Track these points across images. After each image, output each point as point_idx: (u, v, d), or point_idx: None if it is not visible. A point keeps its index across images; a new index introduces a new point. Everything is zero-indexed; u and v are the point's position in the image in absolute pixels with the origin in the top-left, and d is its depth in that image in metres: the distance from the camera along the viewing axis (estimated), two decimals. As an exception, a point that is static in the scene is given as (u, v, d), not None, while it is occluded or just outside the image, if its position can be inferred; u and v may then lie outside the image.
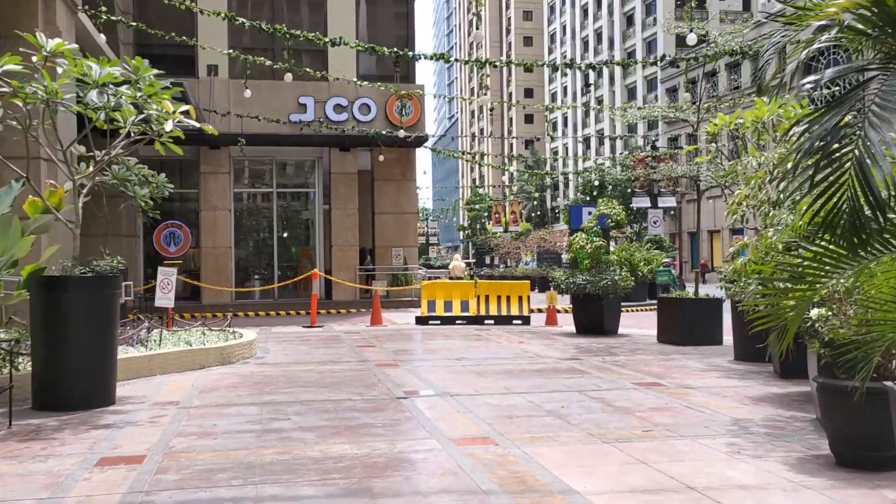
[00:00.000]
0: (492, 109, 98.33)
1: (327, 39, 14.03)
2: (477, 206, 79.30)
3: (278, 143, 22.38)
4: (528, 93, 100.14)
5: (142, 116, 8.05)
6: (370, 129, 21.88)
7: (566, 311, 20.17)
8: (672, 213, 47.51)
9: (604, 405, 7.24)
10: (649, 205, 30.60)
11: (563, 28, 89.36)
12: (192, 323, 12.77)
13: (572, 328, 15.14)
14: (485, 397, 7.72)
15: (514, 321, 16.39)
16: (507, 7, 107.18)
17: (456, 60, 15.49)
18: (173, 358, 9.71)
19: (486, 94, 16.65)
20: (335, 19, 23.07)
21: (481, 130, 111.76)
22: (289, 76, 15.92)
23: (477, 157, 64.10)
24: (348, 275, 23.11)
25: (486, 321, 16.38)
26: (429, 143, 28.21)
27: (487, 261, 66.74)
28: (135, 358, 9.20)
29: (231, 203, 22.70)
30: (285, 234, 24.35)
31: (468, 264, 39.44)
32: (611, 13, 76.78)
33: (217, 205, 22.29)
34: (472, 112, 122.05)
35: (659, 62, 14.34)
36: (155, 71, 7.87)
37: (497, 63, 14.82)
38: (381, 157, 21.82)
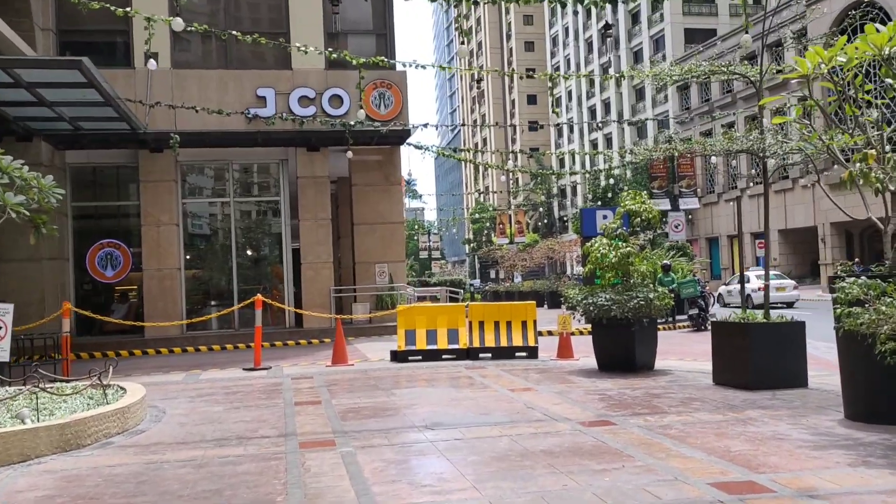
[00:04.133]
0: (494, 128, 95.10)
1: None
2: (481, 217, 75.67)
3: (234, 143, 18.83)
4: (532, 99, 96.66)
5: None
6: (343, 123, 18.30)
7: (582, 334, 16.52)
8: (690, 216, 43.86)
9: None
10: (669, 207, 26.97)
11: (566, 30, 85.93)
12: (96, 368, 9.05)
13: (591, 359, 11.50)
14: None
15: (517, 354, 12.74)
16: (508, 12, 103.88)
17: (442, 68, 12.31)
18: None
19: (464, 45, 13.23)
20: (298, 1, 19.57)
21: (484, 140, 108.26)
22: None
23: (475, 157, 60.28)
24: (321, 298, 19.50)
25: (480, 355, 12.74)
26: (431, 147, 24.67)
27: (492, 275, 63.09)
28: None
29: (179, 216, 19.13)
30: (248, 252, 20.76)
31: (452, 282, 34.33)
32: (615, 11, 73.29)
33: (162, 219, 18.73)
34: (475, 121, 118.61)
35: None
36: None
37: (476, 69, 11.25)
38: (350, 155, 18.15)
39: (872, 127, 6.74)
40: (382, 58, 13.96)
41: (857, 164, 5.90)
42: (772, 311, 9.52)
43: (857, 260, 41.55)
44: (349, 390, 9.95)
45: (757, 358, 8.76)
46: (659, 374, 10.48)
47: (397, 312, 13.21)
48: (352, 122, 17.64)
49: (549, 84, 14.63)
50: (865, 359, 6.27)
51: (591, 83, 78.48)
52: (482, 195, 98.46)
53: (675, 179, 30.15)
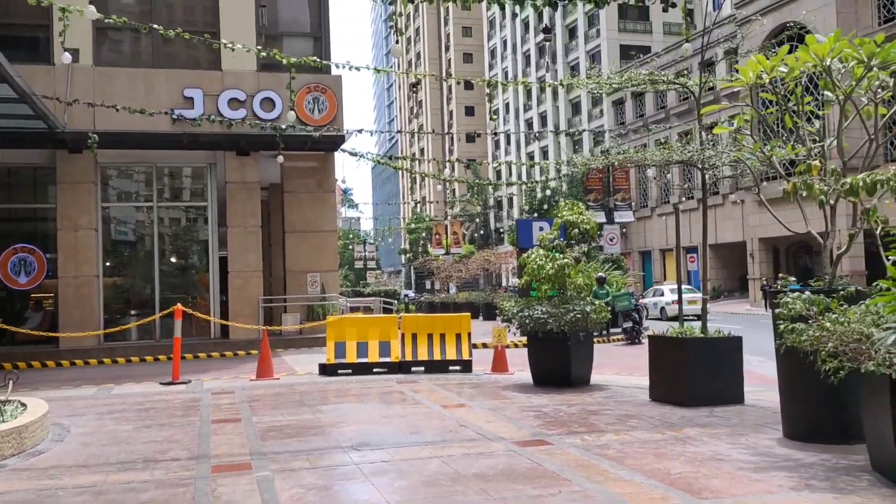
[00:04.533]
0: (432, 139, 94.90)
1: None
2: (417, 227, 75.27)
3: (158, 145, 18.01)
4: (469, 111, 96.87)
5: None
6: (274, 127, 17.66)
7: (518, 346, 16.24)
8: (624, 230, 44.28)
9: None
10: (604, 220, 26.99)
11: (504, 43, 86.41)
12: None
13: (527, 373, 11.20)
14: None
15: (451, 367, 12.36)
16: (447, 24, 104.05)
17: (385, 71, 11.87)
18: None
19: (398, 45, 12.87)
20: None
21: (421, 150, 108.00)
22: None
23: (412, 166, 60.01)
24: (250, 308, 18.81)
25: (413, 369, 12.31)
26: (366, 154, 24.14)
27: (428, 286, 62.62)
28: None
29: (98, 221, 18.20)
30: (173, 259, 19.93)
31: (387, 292, 33.43)
32: (553, 26, 74.03)
33: (80, 223, 17.79)
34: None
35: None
36: None
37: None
38: (281, 159, 17.52)
39: (813, 140, 6.59)
40: (315, 58, 13.45)
41: (801, 176, 5.72)
42: (681, 321, 9.33)
43: (781, 274, 42.58)
44: (272, 407, 9.41)
45: (694, 374, 8.57)
46: (595, 389, 10.23)
47: (327, 324, 12.69)
48: (283, 126, 17.04)
49: (487, 90, 14.34)
50: (806, 376, 6.07)
51: (529, 95, 79.06)
52: (419, 205, 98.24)
53: (611, 193, 30.31)
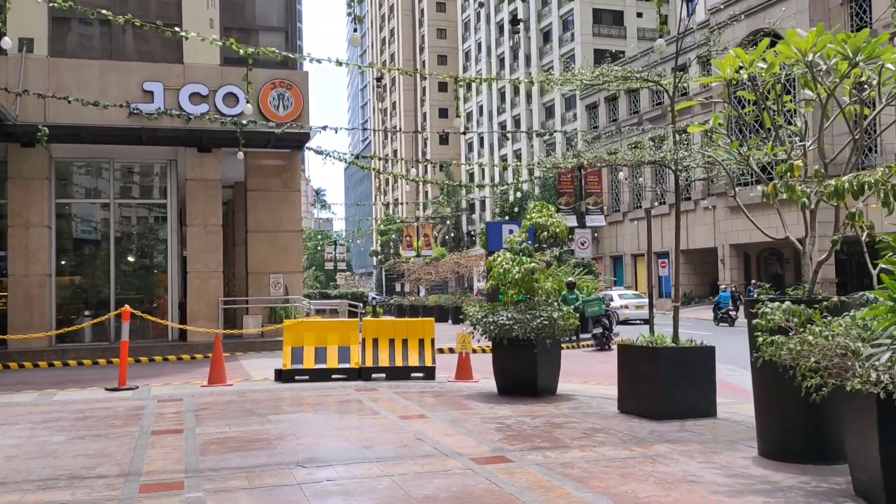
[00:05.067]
0: (405, 141, 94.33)
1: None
2: (388, 228, 74.62)
3: (115, 140, 17.33)
4: (443, 113, 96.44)
5: None
6: (235, 122, 17.04)
7: (485, 352, 15.78)
8: (595, 234, 44.03)
9: None
10: (575, 224, 26.62)
11: (479, 46, 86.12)
12: None
13: (492, 381, 10.73)
14: None
15: (413, 374, 11.87)
16: (421, 25, 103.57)
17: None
18: None
19: (356, 33, 12.14)
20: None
21: (395, 152, 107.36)
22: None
23: (383, 166, 59.47)
24: (210, 309, 18.17)
25: (374, 375, 11.80)
26: (333, 153, 23.54)
27: (398, 288, 61.95)
28: None
29: (51, 218, 17.48)
30: (131, 259, 19.23)
31: (354, 295, 32.19)
32: (527, 29, 73.88)
33: (31, 220, 17.06)
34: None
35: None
36: None
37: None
38: (241, 155, 16.89)
39: (794, 138, 6.19)
40: (273, 49, 12.90)
41: (782, 177, 5.31)
42: (630, 327, 8.94)
43: (754, 281, 42.57)
44: (220, 416, 8.86)
45: (665, 385, 8.16)
46: (562, 399, 9.79)
47: (284, 327, 12.13)
48: (244, 122, 16.45)
49: (454, 85, 13.91)
50: (784, 392, 5.67)
51: (503, 98, 78.84)
52: (391, 206, 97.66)
53: (583, 196, 30.00)
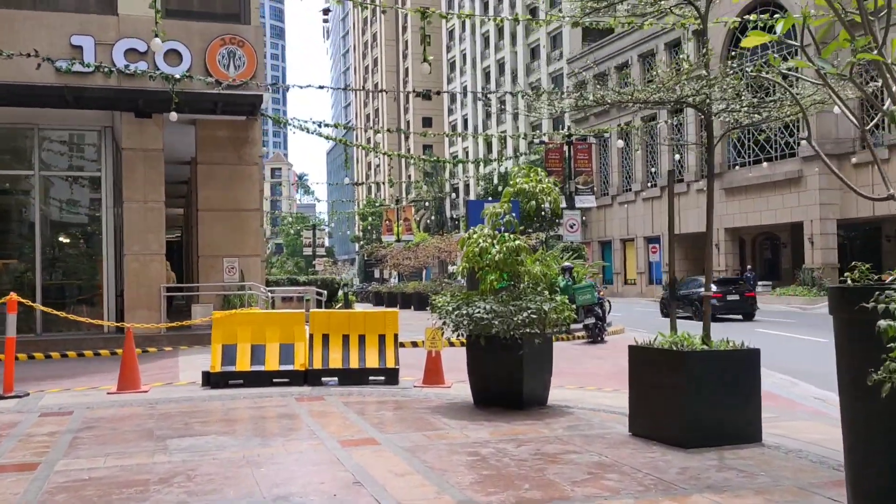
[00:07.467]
0: (388, 125, 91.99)
1: None
2: (368, 213, 72.26)
3: (35, 102, 15.00)
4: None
5: None
6: (168, 77, 14.67)
7: (463, 345, 13.63)
8: (584, 218, 41.94)
9: None
10: (564, 205, 24.51)
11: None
12: None
13: (467, 387, 8.59)
14: None
15: (372, 378, 9.74)
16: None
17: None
18: None
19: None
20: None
21: (377, 132, 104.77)
22: None
23: (354, 138, 57.08)
24: (150, 297, 15.95)
25: (324, 379, 9.66)
26: (292, 120, 21.22)
27: (377, 274, 59.71)
28: None
29: (-38, 191, 15.20)
30: (62, 239, 16.95)
31: (324, 281, 28.93)
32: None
33: (-62, 193, 14.77)
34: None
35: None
36: None
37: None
38: (174, 117, 14.47)
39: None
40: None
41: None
42: (673, 324, 6.86)
43: (749, 267, 40.70)
44: (104, 440, 6.69)
45: (695, 400, 6.08)
46: (554, 413, 7.69)
47: (213, 321, 9.93)
48: (177, 77, 14.15)
49: (422, 23, 11.75)
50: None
51: (487, 78, 76.75)
52: (372, 190, 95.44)
53: (572, 175, 27.95)
